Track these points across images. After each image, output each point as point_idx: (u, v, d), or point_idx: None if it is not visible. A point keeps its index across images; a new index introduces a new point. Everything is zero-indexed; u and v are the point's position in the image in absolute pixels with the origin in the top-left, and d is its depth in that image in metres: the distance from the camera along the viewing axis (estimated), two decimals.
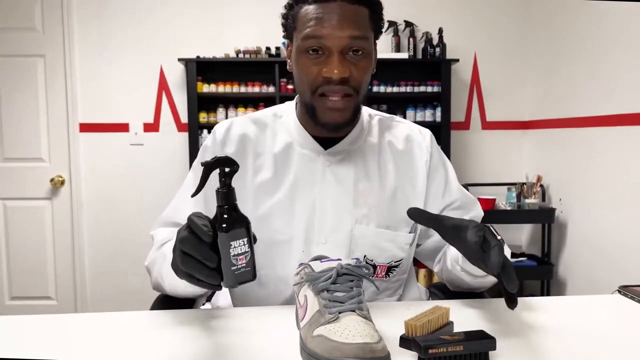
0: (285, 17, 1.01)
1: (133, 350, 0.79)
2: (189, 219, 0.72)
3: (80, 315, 1.03)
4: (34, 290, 3.23)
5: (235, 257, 0.69)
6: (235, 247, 0.69)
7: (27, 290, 3.22)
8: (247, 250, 0.70)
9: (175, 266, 0.76)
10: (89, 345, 0.81)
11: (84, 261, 3.28)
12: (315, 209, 1.03)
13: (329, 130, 1.01)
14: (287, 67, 1.04)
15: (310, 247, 1.03)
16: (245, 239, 0.70)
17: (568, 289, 2.96)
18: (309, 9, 0.95)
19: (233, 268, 0.69)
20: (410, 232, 1.07)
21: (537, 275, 3.07)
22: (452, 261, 0.99)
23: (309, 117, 1.02)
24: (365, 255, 1.04)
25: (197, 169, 1.09)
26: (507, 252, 0.95)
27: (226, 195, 0.71)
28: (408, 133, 1.12)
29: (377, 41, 1.03)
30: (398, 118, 1.16)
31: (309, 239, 1.03)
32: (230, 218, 0.70)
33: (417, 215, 0.88)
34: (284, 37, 1.04)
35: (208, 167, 0.71)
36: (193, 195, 0.72)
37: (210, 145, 1.09)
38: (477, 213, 1.14)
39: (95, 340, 0.83)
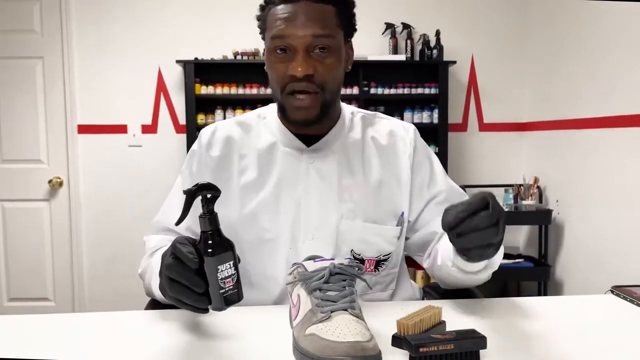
0: (258, 19, 1.04)
1: (128, 350, 0.79)
2: (173, 245, 0.74)
3: (76, 315, 1.04)
4: (32, 291, 3.23)
5: (222, 280, 0.71)
6: (222, 270, 0.71)
7: (25, 291, 3.23)
8: (233, 272, 0.72)
9: (163, 291, 0.78)
10: (85, 344, 0.82)
11: (82, 262, 3.29)
12: (301, 205, 1.05)
13: (300, 127, 1.03)
14: (265, 67, 1.05)
15: (297, 244, 1.04)
16: (231, 262, 0.72)
17: (565, 290, 2.96)
18: (277, 9, 0.97)
19: (221, 291, 0.71)
20: (397, 225, 1.08)
21: (534, 276, 3.08)
22: (443, 258, 0.99)
23: (282, 115, 1.04)
24: (352, 250, 1.05)
25: (186, 174, 1.11)
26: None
27: (210, 220, 0.72)
28: (391, 128, 1.13)
29: (350, 39, 1.04)
30: (381, 115, 1.17)
31: (296, 235, 1.04)
32: (216, 243, 0.72)
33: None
34: (262, 38, 1.05)
35: (190, 195, 0.72)
36: (177, 224, 0.74)
37: (197, 149, 1.11)
38: None
39: (91, 339, 0.84)
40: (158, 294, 0.94)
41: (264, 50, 1.04)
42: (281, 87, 0.99)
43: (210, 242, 0.72)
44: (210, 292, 0.71)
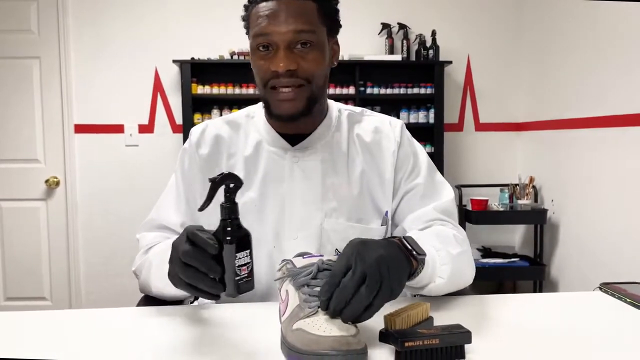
0: (243, 19, 1.05)
1: (122, 345, 0.80)
2: (191, 232, 0.74)
3: (69, 311, 1.04)
4: (29, 290, 3.24)
5: (239, 267, 0.72)
6: (240, 258, 0.72)
7: (22, 290, 3.23)
8: (249, 261, 0.73)
9: (174, 278, 0.78)
10: (78, 340, 0.83)
11: (78, 262, 3.29)
12: (285, 205, 1.05)
13: (284, 122, 1.03)
14: (251, 66, 1.05)
15: (281, 243, 1.05)
16: (248, 251, 0.74)
17: (560, 289, 2.98)
18: (259, 7, 0.98)
19: (237, 278, 0.72)
20: (382, 225, 1.08)
21: (529, 275, 3.10)
22: None
23: (267, 112, 1.04)
24: (337, 249, 1.05)
25: (178, 172, 1.12)
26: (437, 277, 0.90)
27: (230, 209, 0.74)
28: (377, 125, 1.12)
29: (335, 35, 1.05)
30: (369, 112, 1.16)
31: (280, 234, 1.05)
32: (236, 230, 0.73)
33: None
34: (248, 38, 1.05)
35: (215, 184, 0.74)
36: (200, 210, 0.73)
37: (188, 148, 1.12)
38: (440, 201, 1.08)
39: (84, 335, 0.85)
40: (156, 289, 0.96)
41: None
42: (264, 83, 1.00)
43: (230, 229, 0.73)
44: (226, 278, 0.73)
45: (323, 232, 1.05)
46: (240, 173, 1.07)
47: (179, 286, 0.78)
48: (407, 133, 1.14)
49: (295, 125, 1.04)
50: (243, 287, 0.73)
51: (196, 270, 0.73)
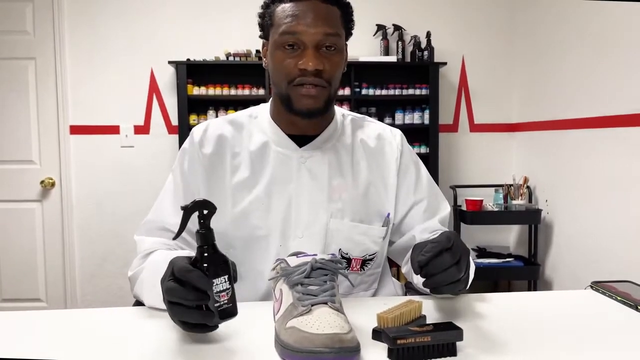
0: (262, 16, 1.06)
1: (119, 344, 0.81)
2: (176, 269, 0.73)
3: (66, 311, 1.05)
4: (24, 292, 3.23)
5: (217, 294, 0.72)
6: (217, 284, 0.72)
7: (17, 292, 3.23)
8: (228, 287, 0.73)
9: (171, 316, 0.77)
10: (75, 340, 0.83)
11: (73, 263, 3.29)
12: (291, 204, 1.07)
13: (303, 117, 1.04)
14: (264, 65, 1.09)
15: (287, 241, 1.06)
16: (226, 276, 0.73)
17: (554, 289, 2.99)
18: (285, 7, 1.00)
19: (216, 305, 0.72)
20: (382, 226, 1.11)
21: (524, 275, 3.11)
22: (413, 277, 1.03)
23: (284, 107, 1.05)
24: (340, 249, 1.08)
25: (177, 172, 1.11)
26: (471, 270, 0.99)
27: (206, 236, 0.74)
28: (379, 132, 1.17)
29: (347, 42, 1.08)
30: (370, 118, 1.21)
31: (286, 233, 1.07)
32: (211, 257, 0.74)
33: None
34: (260, 36, 1.08)
35: (187, 211, 0.74)
36: (174, 239, 0.75)
37: (189, 147, 1.11)
38: (442, 214, 1.18)
39: (81, 335, 0.85)
40: (148, 305, 0.96)
41: (265, 48, 1.07)
42: (288, 80, 1.01)
43: (206, 255, 0.74)
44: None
45: (328, 231, 1.07)
46: (245, 172, 1.08)
47: (177, 324, 0.77)
48: (407, 143, 1.19)
49: (306, 126, 1.07)
50: (223, 313, 0.73)
51: (183, 306, 0.72)
